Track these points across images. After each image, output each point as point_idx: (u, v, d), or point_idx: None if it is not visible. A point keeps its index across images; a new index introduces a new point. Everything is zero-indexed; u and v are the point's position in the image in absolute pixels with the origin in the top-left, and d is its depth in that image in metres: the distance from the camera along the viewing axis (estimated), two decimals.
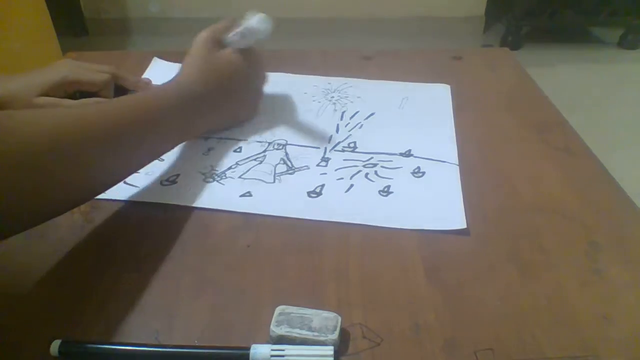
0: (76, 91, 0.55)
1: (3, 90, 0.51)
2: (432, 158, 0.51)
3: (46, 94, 0.52)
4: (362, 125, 0.57)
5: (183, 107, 0.46)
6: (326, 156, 0.52)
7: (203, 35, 0.52)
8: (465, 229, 0.42)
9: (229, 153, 0.52)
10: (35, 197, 0.35)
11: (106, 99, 0.55)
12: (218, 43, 0.52)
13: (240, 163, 0.51)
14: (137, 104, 0.44)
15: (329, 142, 0.54)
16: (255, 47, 0.54)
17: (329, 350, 0.32)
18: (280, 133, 0.55)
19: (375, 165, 0.50)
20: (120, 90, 0.60)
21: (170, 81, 0.49)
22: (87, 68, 0.56)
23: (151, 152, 0.45)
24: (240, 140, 0.54)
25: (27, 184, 0.33)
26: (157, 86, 0.48)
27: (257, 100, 0.58)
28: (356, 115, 0.58)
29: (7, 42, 1.43)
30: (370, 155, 0.52)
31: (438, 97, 0.62)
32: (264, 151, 0.52)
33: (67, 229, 0.43)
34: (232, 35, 0.52)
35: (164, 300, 0.37)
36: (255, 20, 0.49)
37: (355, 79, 0.66)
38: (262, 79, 0.58)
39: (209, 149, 0.53)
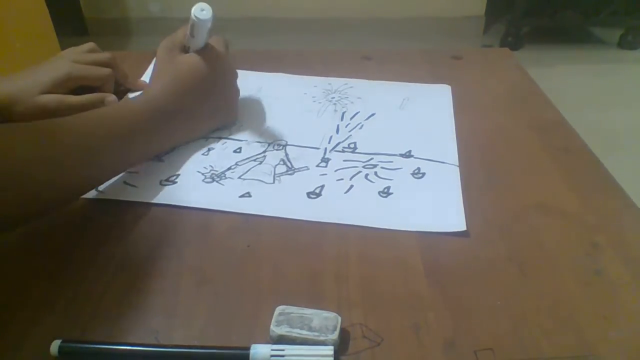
0: (78, 87, 0.55)
1: (7, 90, 0.51)
2: (432, 159, 0.51)
3: (49, 91, 0.52)
4: (362, 125, 0.57)
5: (153, 122, 0.47)
6: (326, 157, 0.52)
7: (162, 45, 0.53)
8: (465, 230, 0.42)
9: (228, 153, 0.52)
10: (22, 199, 0.38)
11: (106, 93, 0.56)
12: (179, 50, 0.52)
13: (240, 163, 0.51)
14: (109, 119, 0.45)
15: (329, 143, 0.54)
16: (214, 45, 0.53)
17: (329, 350, 0.32)
18: (280, 133, 0.55)
19: (375, 166, 0.50)
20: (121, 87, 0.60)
21: (140, 95, 0.50)
22: (88, 60, 0.56)
23: (123, 164, 0.47)
24: (240, 140, 0.54)
25: (13, 188, 0.37)
26: (130, 100, 0.49)
27: (232, 98, 0.56)
28: (356, 116, 0.58)
29: (7, 42, 1.43)
30: (370, 156, 0.52)
31: (439, 98, 0.62)
32: (264, 152, 0.52)
33: (67, 229, 0.43)
34: (187, 38, 0.51)
35: (163, 300, 0.37)
36: (193, 11, 0.48)
37: (355, 80, 0.66)
38: (230, 76, 0.55)
39: (209, 149, 0.53)
